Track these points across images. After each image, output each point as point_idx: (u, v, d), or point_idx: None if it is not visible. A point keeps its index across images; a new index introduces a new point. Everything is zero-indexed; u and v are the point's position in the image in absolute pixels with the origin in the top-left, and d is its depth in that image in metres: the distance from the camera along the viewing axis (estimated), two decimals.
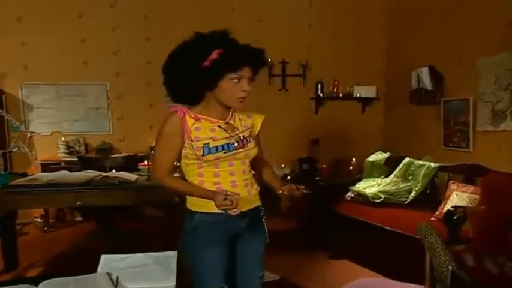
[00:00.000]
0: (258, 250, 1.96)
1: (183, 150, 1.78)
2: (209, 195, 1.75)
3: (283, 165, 5.24)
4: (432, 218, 3.36)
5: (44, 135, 5.14)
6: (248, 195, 1.86)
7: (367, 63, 5.64)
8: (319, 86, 5.53)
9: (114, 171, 3.76)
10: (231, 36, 1.77)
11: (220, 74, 1.71)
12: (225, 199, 1.66)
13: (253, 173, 1.95)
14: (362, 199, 3.87)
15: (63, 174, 3.54)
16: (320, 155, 5.34)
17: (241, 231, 1.88)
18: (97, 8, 5.15)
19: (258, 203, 1.95)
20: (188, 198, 1.86)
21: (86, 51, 5.16)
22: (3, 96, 4.96)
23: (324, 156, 5.37)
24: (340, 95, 5.54)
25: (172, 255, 2.05)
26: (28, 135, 4.43)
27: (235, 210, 1.67)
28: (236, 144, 1.80)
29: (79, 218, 5.16)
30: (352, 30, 5.61)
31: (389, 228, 3.38)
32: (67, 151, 4.97)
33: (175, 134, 1.76)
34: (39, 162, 4.63)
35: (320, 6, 5.54)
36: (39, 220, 4.73)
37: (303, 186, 1.83)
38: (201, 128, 1.77)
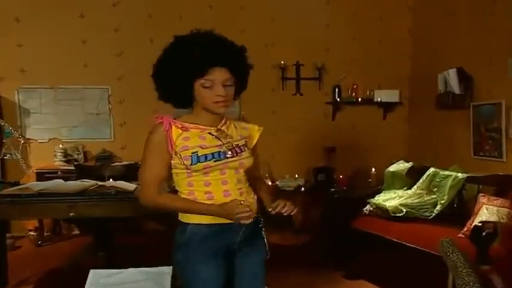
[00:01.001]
0: (257, 267, 1.91)
1: (172, 161, 1.79)
2: (213, 210, 1.75)
3: (296, 176, 5.21)
4: (459, 235, 3.27)
5: (41, 142, 5.18)
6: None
7: (390, 65, 5.59)
8: (337, 90, 5.50)
9: (111, 180, 3.75)
10: (214, 35, 1.75)
11: (187, 80, 1.72)
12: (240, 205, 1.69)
13: None
14: (381, 213, 3.82)
15: (56, 183, 3.55)
16: (337, 165, 5.30)
17: (237, 245, 1.85)
18: (99, 8, 5.21)
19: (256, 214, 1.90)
20: None
21: (86, 53, 5.21)
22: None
23: (341, 166, 5.32)
24: (360, 99, 5.50)
25: (167, 271, 2.03)
26: (22, 142, 4.45)
27: (248, 214, 1.70)
28: (229, 153, 1.80)
29: (76, 232, 5.16)
30: (373, 30, 5.57)
31: (411, 246, 3.32)
32: (64, 159, 4.99)
33: (161, 146, 1.76)
34: (35, 170, 4.66)
35: (338, 4, 5.53)
36: (32, 233, 4.75)
37: (292, 207, 1.77)
38: (190, 137, 1.78)
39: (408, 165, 4.30)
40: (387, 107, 5.60)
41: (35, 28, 5.09)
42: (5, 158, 4.24)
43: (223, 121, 1.86)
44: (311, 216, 4.86)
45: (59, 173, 4.59)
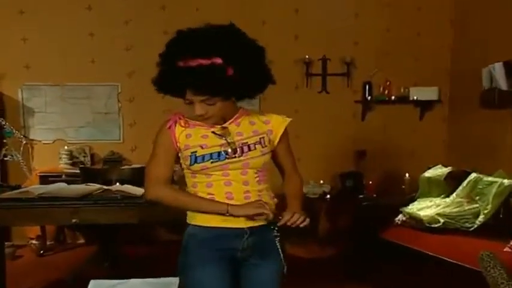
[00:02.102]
0: (268, 281, 1.88)
1: (180, 161, 1.89)
2: (226, 208, 1.79)
3: (322, 182, 5.17)
4: (505, 249, 3.22)
5: (45, 143, 5.26)
6: None
7: (428, 59, 5.53)
8: (367, 87, 5.45)
9: (118, 184, 3.77)
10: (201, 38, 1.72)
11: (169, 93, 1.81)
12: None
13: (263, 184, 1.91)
14: (415, 223, 3.80)
15: (59, 187, 3.57)
16: (366, 170, 5.26)
17: (241, 253, 1.84)
18: None
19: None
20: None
21: (94, 48, 5.28)
22: (1, 99, 5.13)
23: (371, 171, 5.27)
24: (393, 98, 5.45)
25: (173, 281, 2.04)
26: (23, 142, 4.52)
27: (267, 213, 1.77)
28: (231, 153, 1.82)
29: (81, 241, 5.22)
30: (410, 21, 5.52)
31: (449, 260, 3.26)
32: (70, 162, 5.04)
33: (166, 143, 1.85)
34: (38, 173, 4.72)
35: None
36: (34, 242, 4.80)
37: (299, 218, 1.75)
38: (192, 135, 1.85)
39: (447, 170, 4.25)
40: (424, 106, 5.54)
41: (39, 21, 5.18)
42: (5, 159, 4.30)
43: (234, 118, 1.88)
44: (337, 226, 4.87)
45: (64, 176, 4.67)
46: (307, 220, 1.76)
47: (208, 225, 1.81)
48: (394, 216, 3.95)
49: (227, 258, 1.82)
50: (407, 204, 4.07)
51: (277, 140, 1.93)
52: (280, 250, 1.86)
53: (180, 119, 1.86)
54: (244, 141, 1.85)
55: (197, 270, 1.80)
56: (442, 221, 3.68)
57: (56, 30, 5.20)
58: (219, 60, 1.66)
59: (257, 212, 1.75)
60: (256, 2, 5.33)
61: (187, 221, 1.88)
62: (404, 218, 3.89)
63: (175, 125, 1.85)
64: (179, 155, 1.87)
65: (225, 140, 1.83)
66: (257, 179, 1.86)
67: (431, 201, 4.04)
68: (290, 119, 1.95)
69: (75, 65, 5.24)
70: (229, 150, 1.81)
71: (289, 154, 2.00)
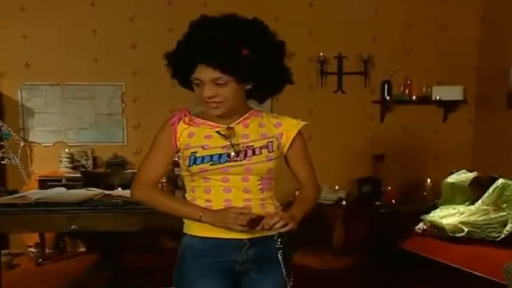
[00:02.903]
0: None
1: (179, 161, 1.88)
2: (205, 216, 1.76)
3: (337, 187, 5.15)
4: None
5: (46, 146, 5.29)
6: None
7: (453, 56, 5.50)
8: (386, 86, 5.44)
9: (120, 189, 3.78)
10: (222, 21, 1.74)
11: (178, 74, 1.78)
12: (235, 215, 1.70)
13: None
14: (438, 232, 3.78)
15: (58, 192, 3.60)
16: (385, 175, 5.24)
17: (240, 267, 1.81)
18: None
19: (271, 230, 1.80)
20: (184, 219, 1.90)
21: (97, 45, 5.30)
22: (0, 99, 5.17)
23: (390, 177, 5.25)
24: (414, 98, 5.43)
25: None
26: (21, 144, 4.55)
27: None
28: (232, 154, 1.78)
29: (82, 249, 5.23)
30: (433, 14, 5.50)
31: (473, 272, 3.25)
32: (71, 165, 5.06)
33: (165, 141, 1.84)
34: (37, 178, 4.75)
35: None
36: (32, 250, 4.81)
37: (281, 222, 1.68)
38: (196, 134, 1.82)
39: (472, 175, 4.20)
40: (448, 106, 5.51)
41: (41, 17, 5.22)
42: (2, 162, 4.33)
43: (242, 117, 1.84)
44: (353, 235, 4.80)
45: (64, 180, 4.68)
46: (290, 226, 1.68)
47: (205, 235, 1.78)
48: (415, 225, 3.93)
49: (226, 271, 1.80)
50: (429, 212, 4.04)
51: (288, 145, 1.86)
52: (282, 263, 1.77)
53: (185, 115, 1.83)
54: (250, 144, 1.81)
55: (194, 282, 1.78)
56: (466, 230, 3.65)
57: (57, 27, 5.24)
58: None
59: (232, 226, 1.69)
60: None
61: (184, 230, 1.86)
62: (425, 227, 3.87)
63: (179, 122, 1.82)
64: (178, 155, 1.85)
65: (230, 141, 1.79)
66: (260, 186, 1.81)
67: (454, 208, 4.01)
68: (304, 123, 1.89)
69: (77, 64, 5.27)
70: (232, 153, 1.77)
71: (304, 161, 1.92)
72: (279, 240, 1.77)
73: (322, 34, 5.40)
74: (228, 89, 1.71)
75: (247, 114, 1.85)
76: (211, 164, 1.76)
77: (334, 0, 5.41)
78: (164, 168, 1.89)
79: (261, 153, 1.80)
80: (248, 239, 1.78)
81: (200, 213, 1.76)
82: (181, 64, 1.73)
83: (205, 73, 1.69)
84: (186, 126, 1.82)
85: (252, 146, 1.80)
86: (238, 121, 1.83)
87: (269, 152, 1.81)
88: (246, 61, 1.68)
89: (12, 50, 5.20)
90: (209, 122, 1.82)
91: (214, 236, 1.77)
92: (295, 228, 1.72)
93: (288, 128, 1.87)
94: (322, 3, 5.40)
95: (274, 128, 1.86)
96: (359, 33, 5.42)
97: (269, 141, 1.83)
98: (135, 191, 1.88)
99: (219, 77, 1.68)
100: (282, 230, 1.68)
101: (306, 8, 5.39)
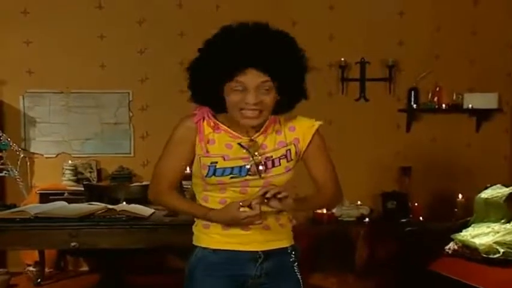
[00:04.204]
0: None
1: (192, 166, 1.86)
2: (210, 214, 1.80)
3: (359, 203, 5.10)
4: None
5: (48, 158, 5.31)
6: (264, 230, 1.83)
7: (485, 62, 5.50)
8: (413, 93, 5.43)
9: (125, 203, 3.78)
10: (260, 26, 1.76)
11: (215, 80, 1.74)
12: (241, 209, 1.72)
13: None
14: (470, 253, 3.72)
15: (58, 206, 3.60)
16: (412, 190, 5.20)
17: (253, 280, 1.85)
18: None
19: (285, 243, 1.91)
20: (193, 229, 1.93)
21: (104, 51, 5.33)
22: (1, 107, 5.21)
23: (418, 191, 5.22)
24: (444, 106, 5.41)
25: None
26: (21, 156, 4.56)
27: (259, 221, 1.74)
28: (252, 167, 1.79)
29: (84, 268, 5.21)
30: (464, 17, 5.50)
31: None
32: (74, 178, 5.06)
33: (185, 141, 1.82)
34: (38, 191, 4.75)
35: None
36: (31, 269, 4.78)
37: (284, 193, 1.71)
38: (216, 141, 1.82)
39: (508, 190, 4.11)
40: (482, 115, 5.49)
41: (45, 21, 5.25)
42: (0, 175, 4.34)
43: (262, 129, 1.84)
44: (377, 255, 4.72)
45: (66, 194, 4.67)
46: (289, 202, 1.71)
47: (217, 247, 1.81)
48: (445, 245, 3.89)
49: (239, 286, 1.84)
50: (460, 231, 4.00)
51: (305, 147, 1.88)
52: (299, 276, 1.88)
53: (208, 117, 1.82)
54: (269, 155, 1.83)
55: None
56: (502, 251, 3.58)
57: (62, 31, 5.27)
58: None
59: (243, 222, 1.73)
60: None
61: (194, 242, 1.88)
62: (456, 247, 3.82)
63: (204, 122, 1.81)
64: (194, 159, 1.83)
65: (251, 154, 1.80)
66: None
67: (488, 227, 3.96)
68: (319, 123, 1.90)
69: (83, 70, 5.29)
70: (252, 166, 1.79)
71: (321, 161, 1.92)
72: (293, 253, 1.88)
73: (343, 38, 5.40)
74: (270, 97, 1.74)
75: (267, 123, 1.85)
76: (231, 177, 1.78)
77: (356, 2, 5.41)
78: (181, 173, 1.89)
79: (280, 164, 1.83)
80: (262, 251, 1.82)
81: (207, 212, 1.80)
82: (223, 70, 1.71)
83: (252, 77, 1.70)
84: (211, 129, 1.81)
85: (271, 156, 1.83)
86: (258, 134, 1.84)
87: (287, 161, 1.84)
88: (300, 71, 1.77)
89: (14, 56, 5.24)
90: (231, 131, 1.82)
91: (228, 249, 1.81)
92: (290, 207, 1.76)
93: (302, 131, 1.88)
94: (343, 5, 5.40)
95: (290, 133, 1.88)
96: (383, 36, 5.42)
97: (287, 149, 1.86)
98: (152, 190, 1.93)
99: (266, 80, 1.71)
100: (280, 195, 1.70)
101: (325, 10, 5.39)
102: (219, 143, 1.81)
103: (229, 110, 1.76)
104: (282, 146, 1.85)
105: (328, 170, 1.92)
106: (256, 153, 1.80)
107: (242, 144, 1.80)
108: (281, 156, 1.83)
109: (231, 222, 1.75)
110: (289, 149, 1.85)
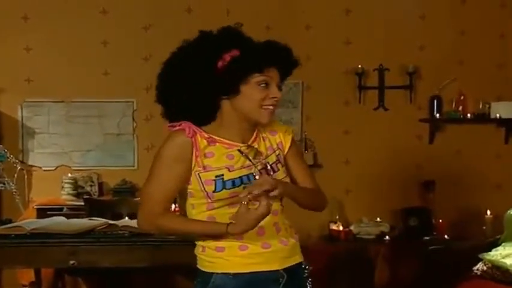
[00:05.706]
0: None
1: (188, 186, 1.84)
2: (229, 229, 1.74)
3: (378, 219, 5.07)
4: None
5: (46, 170, 5.29)
6: (283, 246, 1.87)
7: None
8: (436, 102, 5.41)
9: (127, 218, 3.76)
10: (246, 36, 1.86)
11: (242, 76, 1.78)
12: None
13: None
14: (500, 275, 3.63)
15: (56, 222, 3.60)
16: (436, 205, 5.14)
17: None
18: (125, 0, 5.35)
19: (299, 258, 1.95)
20: (199, 255, 1.89)
21: (108, 58, 5.32)
22: None
23: (442, 208, 5.15)
24: (469, 115, 5.38)
25: None
26: (18, 168, 4.56)
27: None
28: (257, 173, 1.82)
29: None
30: (491, 20, 5.48)
31: None
32: (74, 192, 5.02)
33: (180, 159, 1.80)
34: (35, 206, 4.73)
35: None
36: None
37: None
38: (215, 153, 1.82)
39: None
40: (511, 125, 5.43)
41: (46, 27, 5.25)
42: None
43: (254, 134, 1.91)
44: (398, 276, 4.67)
45: (66, 209, 4.67)
46: (276, 191, 1.71)
47: (237, 271, 1.80)
48: (472, 265, 3.80)
49: None
50: (489, 250, 3.88)
51: (286, 150, 1.97)
52: None
53: (199, 130, 1.82)
54: (267, 160, 1.89)
55: None
56: None
57: (64, 37, 5.27)
58: None
59: (260, 220, 1.70)
60: (298, 3, 5.33)
61: (204, 268, 1.85)
62: (485, 268, 3.72)
63: (197, 136, 1.80)
64: (191, 178, 1.81)
65: (250, 160, 1.84)
66: (281, 207, 1.90)
67: None
68: (292, 129, 2.05)
69: (85, 79, 5.28)
70: (259, 171, 1.82)
71: (304, 167, 2.04)
72: (307, 268, 1.95)
73: (361, 43, 5.38)
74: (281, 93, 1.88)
75: (256, 132, 1.92)
76: (244, 187, 1.76)
77: (373, 6, 5.41)
78: (176, 194, 1.89)
79: (278, 169, 1.90)
80: (284, 269, 1.85)
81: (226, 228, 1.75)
82: (258, 66, 1.77)
83: (274, 74, 1.82)
84: (206, 142, 1.81)
85: (268, 162, 1.88)
86: (252, 139, 1.90)
87: (282, 165, 1.92)
88: (290, 72, 1.90)
89: (13, 64, 5.23)
90: (225, 140, 1.84)
91: (249, 271, 1.80)
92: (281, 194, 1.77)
93: (282, 135, 1.98)
94: (360, 8, 5.39)
95: (273, 137, 1.96)
96: (403, 41, 5.41)
97: (277, 155, 1.93)
98: (145, 215, 1.87)
99: (279, 81, 1.85)
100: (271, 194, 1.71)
101: (341, 14, 5.37)
102: (219, 155, 1.82)
103: (251, 107, 1.80)
104: (272, 151, 1.92)
105: (308, 173, 2.03)
106: (258, 158, 1.85)
107: (243, 151, 1.83)
108: (276, 161, 1.90)
109: (251, 227, 1.70)
110: (279, 154, 1.93)
